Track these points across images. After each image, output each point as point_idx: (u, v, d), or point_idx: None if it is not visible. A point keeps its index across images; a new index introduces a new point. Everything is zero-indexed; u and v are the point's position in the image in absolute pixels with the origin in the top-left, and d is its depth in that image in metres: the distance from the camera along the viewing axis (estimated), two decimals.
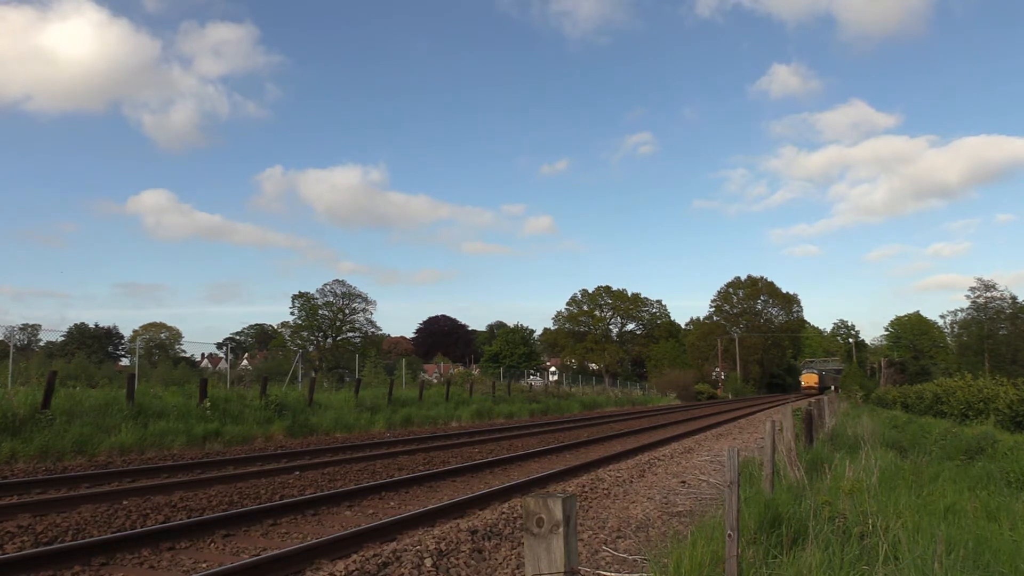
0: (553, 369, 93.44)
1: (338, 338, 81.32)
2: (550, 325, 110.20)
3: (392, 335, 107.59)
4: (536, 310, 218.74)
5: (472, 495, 10.18)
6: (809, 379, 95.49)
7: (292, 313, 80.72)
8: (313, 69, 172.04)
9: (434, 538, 7.28)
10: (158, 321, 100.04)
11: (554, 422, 30.13)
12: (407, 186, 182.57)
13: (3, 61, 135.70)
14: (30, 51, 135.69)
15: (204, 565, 6.59)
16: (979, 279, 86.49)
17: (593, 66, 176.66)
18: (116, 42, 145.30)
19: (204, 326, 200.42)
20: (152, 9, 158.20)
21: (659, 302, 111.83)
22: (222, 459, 13.97)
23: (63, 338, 79.23)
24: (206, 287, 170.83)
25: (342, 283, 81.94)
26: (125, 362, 78.24)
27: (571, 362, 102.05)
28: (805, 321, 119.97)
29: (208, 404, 18.92)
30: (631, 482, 12.25)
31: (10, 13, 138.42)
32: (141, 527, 7.91)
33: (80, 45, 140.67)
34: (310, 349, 78.64)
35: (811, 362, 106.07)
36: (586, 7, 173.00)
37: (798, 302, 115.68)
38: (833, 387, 72.57)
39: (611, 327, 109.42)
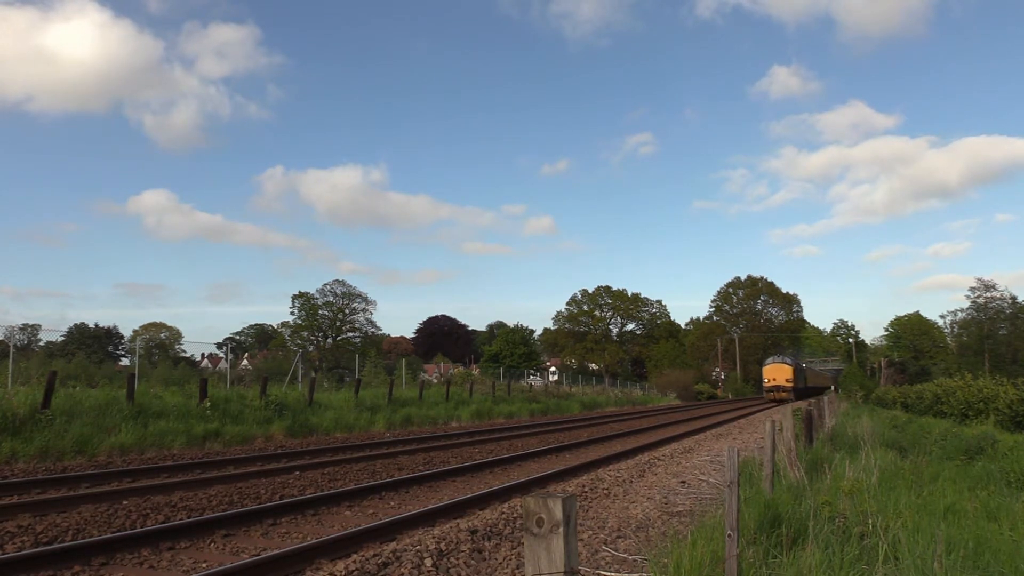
0: (553, 369, 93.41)
1: (338, 338, 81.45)
2: (550, 325, 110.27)
3: (392, 335, 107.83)
4: (536, 310, 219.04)
5: (472, 495, 10.18)
6: (777, 373, 61.72)
7: (292, 313, 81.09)
8: (314, 70, 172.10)
9: (434, 538, 7.28)
10: (158, 321, 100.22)
11: (554, 422, 30.13)
12: (407, 186, 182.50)
13: (5, 61, 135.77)
14: (32, 51, 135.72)
15: (204, 565, 6.59)
16: (979, 279, 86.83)
17: (593, 67, 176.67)
18: (118, 43, 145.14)
19: (204, 326, 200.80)
20: (155, 10, 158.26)
21: (659, 302, 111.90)
22: (222, 459, 13.97)
23: (63, 338, 79.19)
24: (206, 287, 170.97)
25: (342, 283, 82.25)
26: (125, 362, 78.27)
27: (571, 362, 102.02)
28: (805, 321, 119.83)
29: (208, 404, 18.93)
30: (631, 482, 12.25)
31: (13, 13, 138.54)
32: (141, 527, 7.92)
33: (82, 46, 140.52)
34: (310, 349, 78.77)
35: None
36: (586, 9, 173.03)
37: (798, 302, 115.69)
38: (833, 387, 61.39)
39: (611, 327, 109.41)
